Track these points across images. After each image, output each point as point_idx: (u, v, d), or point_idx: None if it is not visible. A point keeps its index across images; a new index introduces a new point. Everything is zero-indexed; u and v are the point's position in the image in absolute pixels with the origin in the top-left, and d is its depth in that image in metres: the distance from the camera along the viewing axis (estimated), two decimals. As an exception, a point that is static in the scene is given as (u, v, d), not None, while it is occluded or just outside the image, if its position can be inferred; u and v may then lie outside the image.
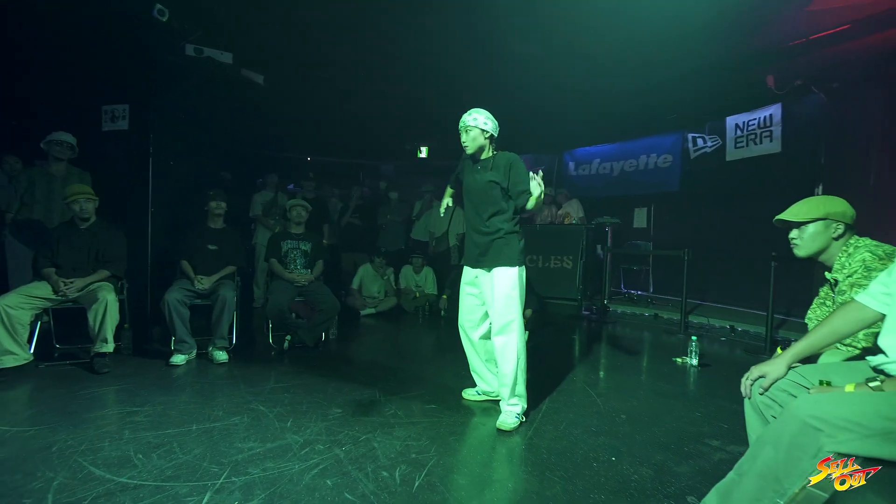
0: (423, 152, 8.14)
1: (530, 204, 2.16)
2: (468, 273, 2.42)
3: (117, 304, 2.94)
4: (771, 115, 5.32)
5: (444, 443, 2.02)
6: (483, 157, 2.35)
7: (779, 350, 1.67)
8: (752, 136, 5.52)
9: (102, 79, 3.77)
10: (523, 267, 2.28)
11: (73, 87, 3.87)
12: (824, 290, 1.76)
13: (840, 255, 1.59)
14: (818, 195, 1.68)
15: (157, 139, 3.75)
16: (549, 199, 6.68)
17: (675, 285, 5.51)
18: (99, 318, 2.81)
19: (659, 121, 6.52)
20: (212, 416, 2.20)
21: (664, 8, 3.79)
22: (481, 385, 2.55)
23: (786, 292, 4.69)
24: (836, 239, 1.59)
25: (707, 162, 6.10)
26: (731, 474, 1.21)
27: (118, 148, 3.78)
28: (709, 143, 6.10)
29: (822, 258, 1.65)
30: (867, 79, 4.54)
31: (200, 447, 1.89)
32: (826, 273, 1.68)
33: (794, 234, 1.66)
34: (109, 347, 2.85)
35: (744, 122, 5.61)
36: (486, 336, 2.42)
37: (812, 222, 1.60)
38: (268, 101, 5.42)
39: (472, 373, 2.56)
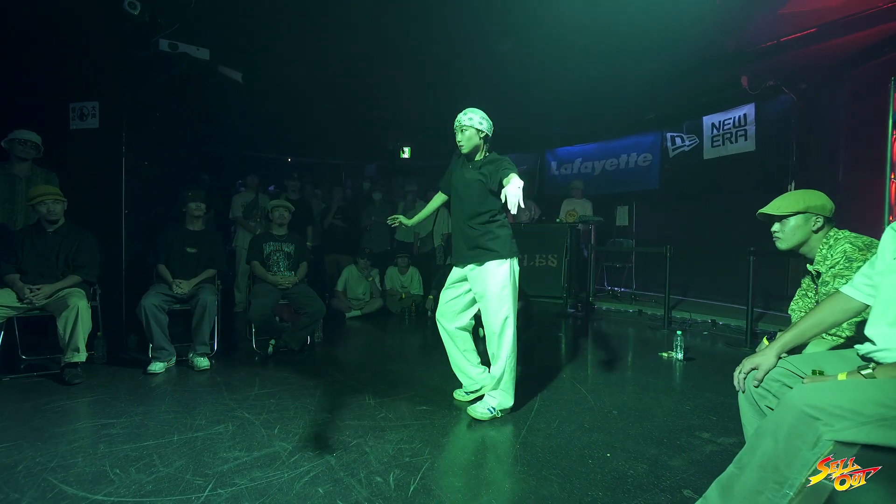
0: (406, 153, 8.09)
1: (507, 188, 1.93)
2: (457, 271, 2.42)
3: (89, 310, 2.79)
4: (745, 114, 5.48)
5: (437, 445, 1.98)
6: (477, 157, 2.33)
7: (765, 340, 1.70)
8: (728, 135, 5.68)
9: (70, 74, 3.59)
10: (515, 259, 2.28)
11: (37, 83, 3.67)
12: (806, 282, 1.80)
13: (821, 247, 1.63)
14: (798, 190, 1.72)
15: (130, 138, 3.59)
16: (529, 194, 6.76)
17: (658, 281, 5.61)
18: (69, 325, 2.66)
19: (638, 120, 6.66)
20: (194, 426, 2.11)
21: (641, 10, 3.85)
22: (466, 382, 2.52)
23: (763, 286, 4.83)
24: (816, 232, 1.63)
25: (685, 160, 6.24)
26: (730, 467, 1.21)
27: (88, 147, 3.60)
28: (687, 142, 6.25)
29: (802, 251, 1.69)
30: (832, 80, 4.73)
31: (182, 459, 1.80)
32: (808, 265, 1.72)
33: (776, 227, 1.70)
34: (81, 357, 2.71)
35: (720, 122, 5.76)
36: (464, 328, 2.45)
37: (793, 216, 1.64)
38: (247, 100, 5.28)
39: (454, 370, 2.53)
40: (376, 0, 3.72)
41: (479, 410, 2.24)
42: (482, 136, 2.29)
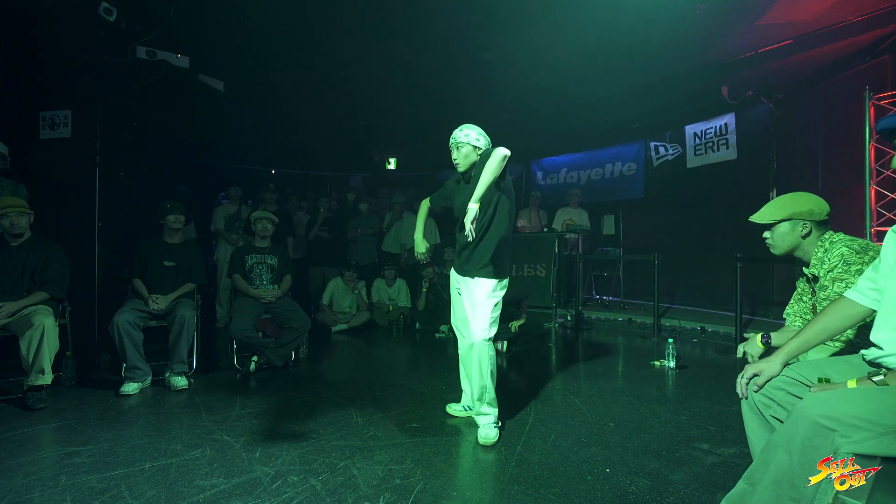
0: (392, 164, 8.04)
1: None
2: (454, 277, 2.36)
3: (56, 329, 2.62)
4: (726, 123, 5.59)
5: (429, 465, 1.88)
6: (473, 173, 2.24)
7: (759, 342, 1.66)
8: (710, 144, 5.77)
9: (40, 82, 3.45)
10: (504, 280, 2.21)
11: (5, 91, 3.51)
12: (801, 286, 1.77)
13: (816, 250, 1.61)
14: (788, 194, 1.70)
15: (105, 148, 3.45)
16: (535, 202, 6.73)
17: (645, 289, 5.62)
18: (34, 346, 2.49)
19: (622, 130, 6.74)
20: (168, 451, 1.97)
21: (624, 21, 3.90)
22: (467, 398, 2.43)
23: (750, 292, 4.88)
24: (805, 237, 1.61)
25: (669, 169, 6.32)
26: (741, 483, 1.15)
27: (59, 158, 3.45)
28: (670, 152, 6.34)
29: (796, 254, 1.68)
30: (808, 90, 4.87)
31: (154, 489, 1.66)
32: (804, 269, 1.70)
33: (766, 234, 1.69)
34: (47, 379, 2.53)
35: (701, 131, 5.86)
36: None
37: (780, 223, 1.63)
38: (229, 110, 5.17)
39: (461, 379, 2.44)
40: (361, 9, 3.69)
41: (491, 435, 2.10)
42: (479, 152, 2.21)
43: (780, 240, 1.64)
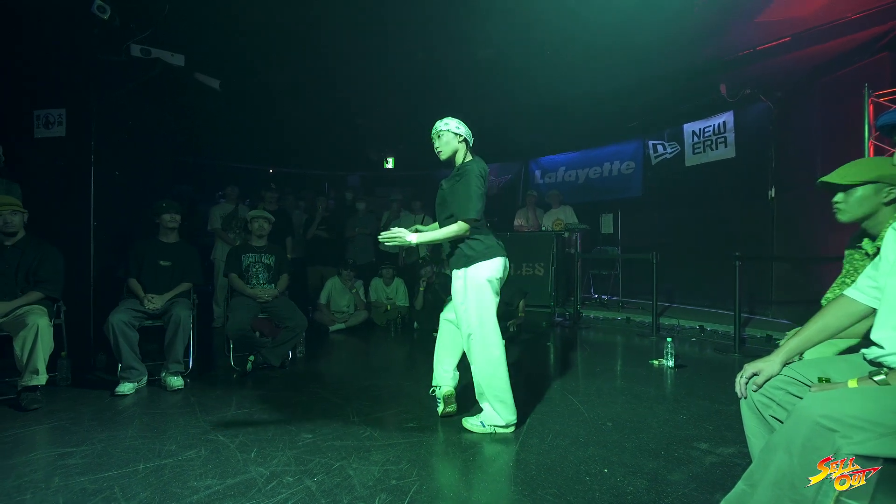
0: (390, 163, 8.02)
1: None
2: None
3: (51, 329, 2.60)
4: (724, 121, 5.58)
5: (425, 465, 1.87)
6: (457, 163, 2.29)
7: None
8: (709, 143, 5.76)
9: (34, 80, 3.42)
10: (486, 264, 2.15)
11: (-1, 90, 3.49)
12: (852, 264, 1.58)
13: (891, 221, 1.43)
14: (869, 157, 1.55)
15: (100, 147, 3.43)
16: (532, 201, 6.70)
17: (644, 288, 5.62)
18: (28, 346, 2.47)
19: (620, 128, 6.71)
20: (163, 452, 1.95)
21: (622, 19, 3.88)
22: (434, 376, 2.44)
23: (746, 291, 4.86)
24: (887, 204, 1.43)
25: (668, 168, 6.30)
26: (740, 484, 1.13)
27: (54, 156, 3.43)
28: (668, 150, 6.32)
29: (866, 224, 1.49)
30: (806, 88, 4.85)
31: (147, 490, 1.65)
32: (865, 241, 1.54)
33: (839, 197, 1.49)
34: (41, 379, 2.51)
35: (700, 129, 5.85)
36: (454, 322, 2.36)
37: (861, 185, 1.43)
38: (225, 108, 5.14)
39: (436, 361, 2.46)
40: (357, 7, 3.67)
41: (472, 421, 2.21)
42: (460, 139, 2.25)
43: (856, 204, 1.45)
